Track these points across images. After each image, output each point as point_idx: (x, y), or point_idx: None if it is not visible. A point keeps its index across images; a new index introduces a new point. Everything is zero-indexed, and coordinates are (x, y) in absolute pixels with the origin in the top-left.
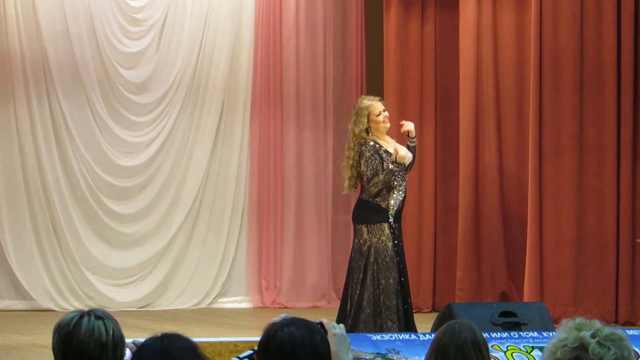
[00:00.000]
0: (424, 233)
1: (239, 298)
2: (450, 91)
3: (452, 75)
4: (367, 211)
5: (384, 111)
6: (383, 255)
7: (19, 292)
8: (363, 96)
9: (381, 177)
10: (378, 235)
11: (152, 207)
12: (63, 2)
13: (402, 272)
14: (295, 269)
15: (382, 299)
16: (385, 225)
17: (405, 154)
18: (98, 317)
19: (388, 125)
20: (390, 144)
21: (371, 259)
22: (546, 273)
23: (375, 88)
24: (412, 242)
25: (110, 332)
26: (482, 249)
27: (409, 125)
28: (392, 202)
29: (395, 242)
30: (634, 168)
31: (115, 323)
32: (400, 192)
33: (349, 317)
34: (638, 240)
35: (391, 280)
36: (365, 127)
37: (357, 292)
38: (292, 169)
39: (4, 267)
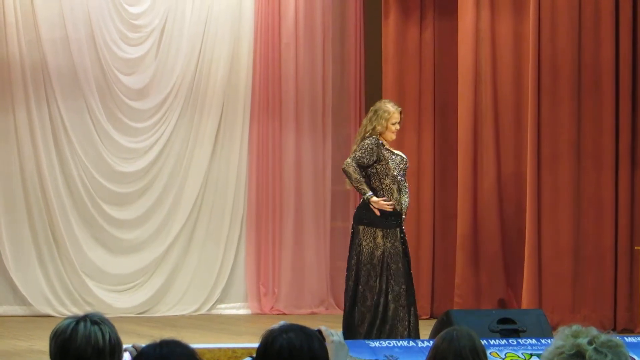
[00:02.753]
0: (423, 239)
1: (237, 304)
2: (449, 97)
3: (451, 81)
4: (383, 215)
5: (398, 123)
6: (396, 261)
7: (17, 297)
8: (388, 100)
9: (354, 176)
10: (392, 240)
11: (151, 213)
12: (62, 8)
13: (411, 277)
14: (294, 276)
15: (394, 305)
16: (398, 230)
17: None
18: (94, 323)
19: (394, 137)
20: (395, 151)
21: (385, 265)
22: (544, 280)
23: (373, 94)
24: (411, 248)
25: (107, 337)
26: (480, 255)
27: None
28: (404, 204)
29: (405, 247)
30: (632, 175)
31: (112, 327)
32: (407, 194)
33: (362, 324)
34: (637, 247)
35: (404, 286)
36: (382, 129)
37: (376, 298)
38: (290, 175)
39: (2, 272)
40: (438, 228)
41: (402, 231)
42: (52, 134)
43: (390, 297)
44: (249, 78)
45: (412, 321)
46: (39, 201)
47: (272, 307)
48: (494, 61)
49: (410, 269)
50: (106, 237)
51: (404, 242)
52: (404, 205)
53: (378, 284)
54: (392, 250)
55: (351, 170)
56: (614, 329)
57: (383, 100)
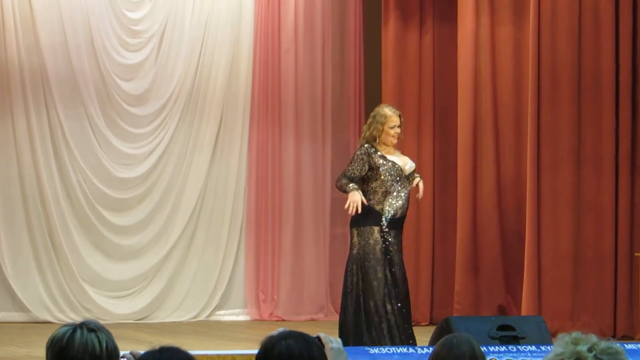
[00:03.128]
0: (422, 245)
1: (236, 311)
2: (449, 103)
3: (451, 87)
4: (361, 214)
5: (398, 127)
6: (369, 259)
7: (16, 304)
8: (387, 104)
9: (343, 181)
10: (367, 239)
11: (150, 219)
12: (62, 13)
13: (401, 279)
14: (293, 282)
15: (370, 303)
16: (376, 229)
17: (403, 163)
18: (91, 330)
19: (395, 141)
20: (393, 154)
21: (359, 263)
22: (544, 286)
23: (373, 100)
24: (410, 254)
25: (104, 345)
26: (480, 261)
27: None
28: (387, 206)
29: (385, 245)
30: (632, 180)
31: (109, 335)
32: (398, 200)
33: (347, 324)
34: (637, 254)
35: (375, 283)
36: (378, 133)
37: (347, 293)
38: (290, 181)
39: (0, 279)
40: (437, 234)
41: (381, 230)
42: (51, 139)
43: (368, 294)
44: (249, 84)
45: (392, 319)
46: (37, 207)
47: (271, 314)
48: (493, 67)
49: (392, 268)
50: (105, 243)
51: (384, 242)
52: (385, 208)
53: (355, 282)
54: (365, 249)
55: (339, 184)
56: (613, 336)
57: (382, 105)
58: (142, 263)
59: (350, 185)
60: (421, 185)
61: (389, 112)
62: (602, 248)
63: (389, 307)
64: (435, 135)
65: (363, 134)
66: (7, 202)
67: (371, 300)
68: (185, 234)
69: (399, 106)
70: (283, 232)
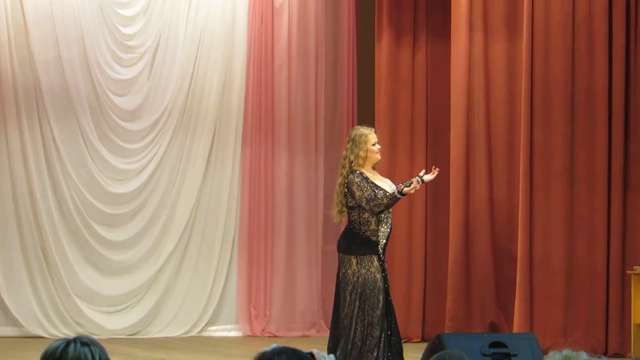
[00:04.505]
0: (414, 263)
1: (228, 326)
2: (441, 121)
3: (443, 105)
4: (358, 243)
5: (377, 142)
6: (371, 287)
7: (9, 318)
8: (358, 126)
9: (385, 200)
10: (367, 267)
11: (143, 235)
12: (55, 28)
13: (390, 304)
14: (285, 298)
15: (368, 330)
16: (375, 258)
17: (390, 188)
18: (84, 344)
19: (379, 157)
20: (375, 177)
21: (359, 290)
22: (536, 303)
23: (366, 117)
24: (402, 272)
25: (97, 359)
26: (471, 278)
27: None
28: (380, 235)
29: (384, 274)
30: (625, 199)
31: (102, 349)
32: (388, 225)
33: (341, 347)
34: (629, 272)
35: (377, 312)
36: (364, 154)
37: (349, 323)
38: (282, 197)
39: None
40: (430, 251)
41: (379, 258)
42: (44, 154)
43: (365, 322)
44: (242, 99)
45: (385, 347)
46: (30, 222)
47: (263, 330)
48: (486, 85)
49: (388, 297)
50: (98, 258)
51: (382, 270)
52: (380, 236)
53: (353, 310)
54: (366, 277)
55: (381, 204)
56: (605, 354)
57: (355, 127)
58: (135, 278)
59: (389, 193)
60: (427, 177)
61: (366, 131)
62: (594, 265)
63: (383, 335)
64: (427, 152)
65: (346, 159)
66: (0, 216)
67: (370, 328)
68: (177, 250)
69: (391, 123)
70: (275, 248)
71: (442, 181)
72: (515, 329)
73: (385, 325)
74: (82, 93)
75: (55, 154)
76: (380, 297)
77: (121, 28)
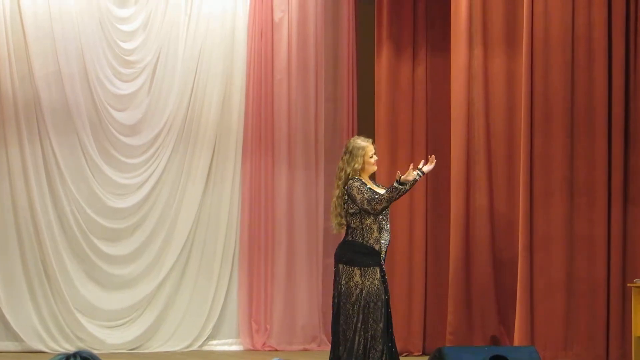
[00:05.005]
0: (415, 276)
1: (229, 340)
2: (442, 135)
3: (444, 118)
4: (360, 254)
5: (374, 154)
6: (375, 299)
7: (10, 333)
8: (356, 136)
9: (386, 195)
10: (371, 279)
11: (143, 249)
12: (55, 43)
13: (390, 315)
14: (286, 312)
15: (371, 343)
16: (377, 269)
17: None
18: (84, 359)
19: (376, 168)
20: (375, 185)
21: (362, 303)
22: (537, 317)
23: (366, 131)
24: (403, 285)
25: None
26: (472, 292)
27: (429, 167)
28: (382, 244)
29: (385, 285)
30: (625, 212)
31: None
32: (387, 233)
33: None
34: (629, 285)
35: (381, 325)
36: (360, 166)
37: (352, 336)
38: (283, 211)
39: None
40: (430, 264)
41: (381, 270)
42: (44, 169)
43: (368, 335)
44: (242, 114)
45: (386, 359)
46: (31, 237)
47: (264, 344)
48: (486, 98)
49: (389, 308)
50: (98, 272)
51: (384, 281)
52: (382, 245)
53: (356, 323)
54: (370, 289)
55: (377, 203)
56: None
57: (352, 138)
58: (135, 293)
59: (389, 189)
60: (426, 168)
61: (363, 143)
62: (595, 278)
63: (385, 348)
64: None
65: (342, 172)
66: (0, 231)
67: (373, 341)
68: (178, 264)
69: (391, 137)
70: (276, 262)
71: (442, 193)
72: (516, 342)
73: (387, 338)
74: (82, 108)
75: (56, 168)
76: (383, 310)
77: (121, 43)
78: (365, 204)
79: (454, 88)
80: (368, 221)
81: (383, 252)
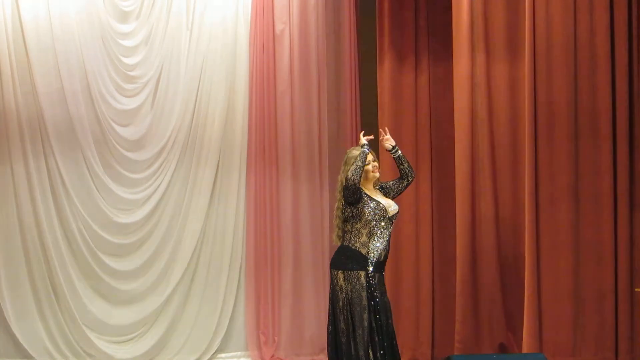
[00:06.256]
0: (422, 285)
1: (238, 353)
2: (445, 142)
3: (447, 126)
4: (346, 257)
5: (373, 161)
6: (356, 304)
7: (19, 350)
8: (353, 147)
9: (350, 174)
10: (353, 284)
11: (150, 264)
12: (58, 60)
13: (379, 322)
14: (294, 323)
15: (352, 347)
16: (362, 274)
17: (388, 204)
18: None
19: (377, 174)
20: (376, 194)
21: (348, 308)
22: (545, 323)
23: (370, 140)
24: (410, 294)
25: None
26: (480, 300)
27: (387, 142)
28: (371, 250)
29: (370, 291)
30: (631, 217)
31: None
32: (382, 241)
33: None
34: (637, 290)
35: (360, 331)
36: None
37: (348, 341)
38: (288, 223)
39: (2, 325)
40: (437, 273)
41: (367, 275)
42: (49, 186)
43: (351, 338)
44: (245, 126)
45: None
46: (37, 253)
47: (272, 355)
48: (489, 105)
49: (377, 315)
50: (105, 288)
51: (369, 287)
52: (371, 250)
53: (343, 326)
54: (352, 294)
55: (352, 173)
56: None
57: (348, 150)
58: (143, 307)
59: (362, 146)
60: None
61: (356, 152)
62: (602, 284)
63: (371, 355)
64: (432, 174)
65: (340, 184)
66: (7, 248)
67: (356, 346)
68: (185, 278)
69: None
70: (282, 273)
71: (447, 203)
72: (525, 350)
73: (376, 346)
74: (85, 124)
75: (61, 184)
76: (365, 316)
77: (123, 58)
78: (345, 183)
79: (456, 96)
80: (358, 225)
81: (372, 258)
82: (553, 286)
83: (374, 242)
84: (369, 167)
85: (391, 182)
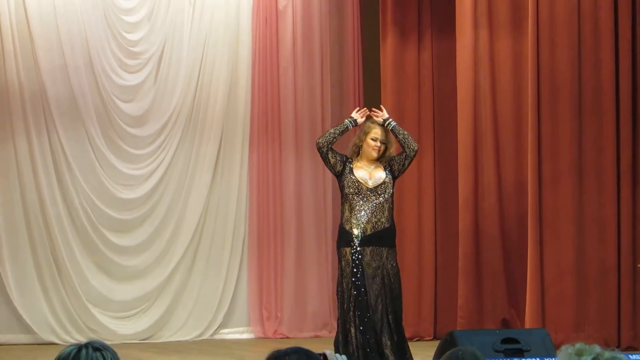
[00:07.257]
0: (424, 261)
1: (240, 329)
2: (448, 118)
3: (450, 102)
4: (338, 235)
5: (378, 140)
6: (340, 281)
7: (22, 325)
8: (374, 120)
9: (324, 136)
10: (340, 261)
11: (153, 240)
12: (60, 36)
13: (361, 299)
14: (296, 299)
15: (340, 325)
16: (347, 250)
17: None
18: (96, 349)
19: (374, 154)
20: (366, 170)
21: (341, 284)
22: (547, 299)
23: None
24: (413, 270)
25: None
26: (482, 275)
27: (378, 117)
28: (354, 225)
29: (355, 265)
30: (634, 193)
31: (114, 354)
32: (361, 214)
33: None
34: (639, 265)
35: (345, 306)
36: (360, 142)
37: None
38: (291, 199)
39: (5, 301)
40: (440, 249)
41: (353, 252)
42: (52, 162)
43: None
44: (248, 103)
45: (357, 346)
46: (40, 229)
47: (275, 331)
48: (493, 81)
49: (355, 290)
50: (108, 264)
51: (353, 262)
52: (354, 224)
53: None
54: (342, 271)
55: (321, 139)
56: (617, 347)
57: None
58: (146, 283)
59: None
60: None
61: (373, 125)
62: (605, 260)
63: (359, 334)
64: (435, 150)
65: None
66: (10, 224)
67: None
68: (187, 254)
69: (398, 122)
70: (285, 249)
71: (450, 178)
72: (527, 325)
73: (356, 322)
74: (88, 100)
75: (64, 161)
76: (347, 293)
77: (126, 34)
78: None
79: (459, 72)
80: (343, 200)
81: (355, 232)
82: (556, 262)
83: (355, 215)
84: (372, 143)
85: (396, 155)
